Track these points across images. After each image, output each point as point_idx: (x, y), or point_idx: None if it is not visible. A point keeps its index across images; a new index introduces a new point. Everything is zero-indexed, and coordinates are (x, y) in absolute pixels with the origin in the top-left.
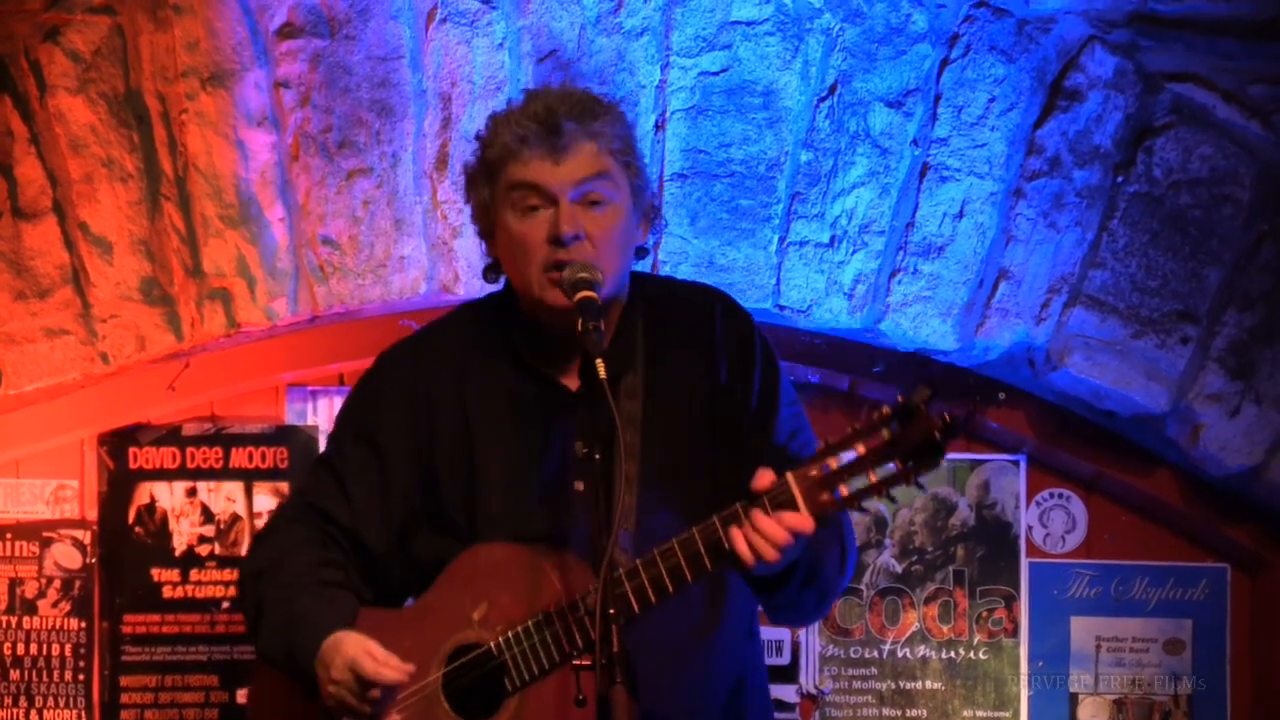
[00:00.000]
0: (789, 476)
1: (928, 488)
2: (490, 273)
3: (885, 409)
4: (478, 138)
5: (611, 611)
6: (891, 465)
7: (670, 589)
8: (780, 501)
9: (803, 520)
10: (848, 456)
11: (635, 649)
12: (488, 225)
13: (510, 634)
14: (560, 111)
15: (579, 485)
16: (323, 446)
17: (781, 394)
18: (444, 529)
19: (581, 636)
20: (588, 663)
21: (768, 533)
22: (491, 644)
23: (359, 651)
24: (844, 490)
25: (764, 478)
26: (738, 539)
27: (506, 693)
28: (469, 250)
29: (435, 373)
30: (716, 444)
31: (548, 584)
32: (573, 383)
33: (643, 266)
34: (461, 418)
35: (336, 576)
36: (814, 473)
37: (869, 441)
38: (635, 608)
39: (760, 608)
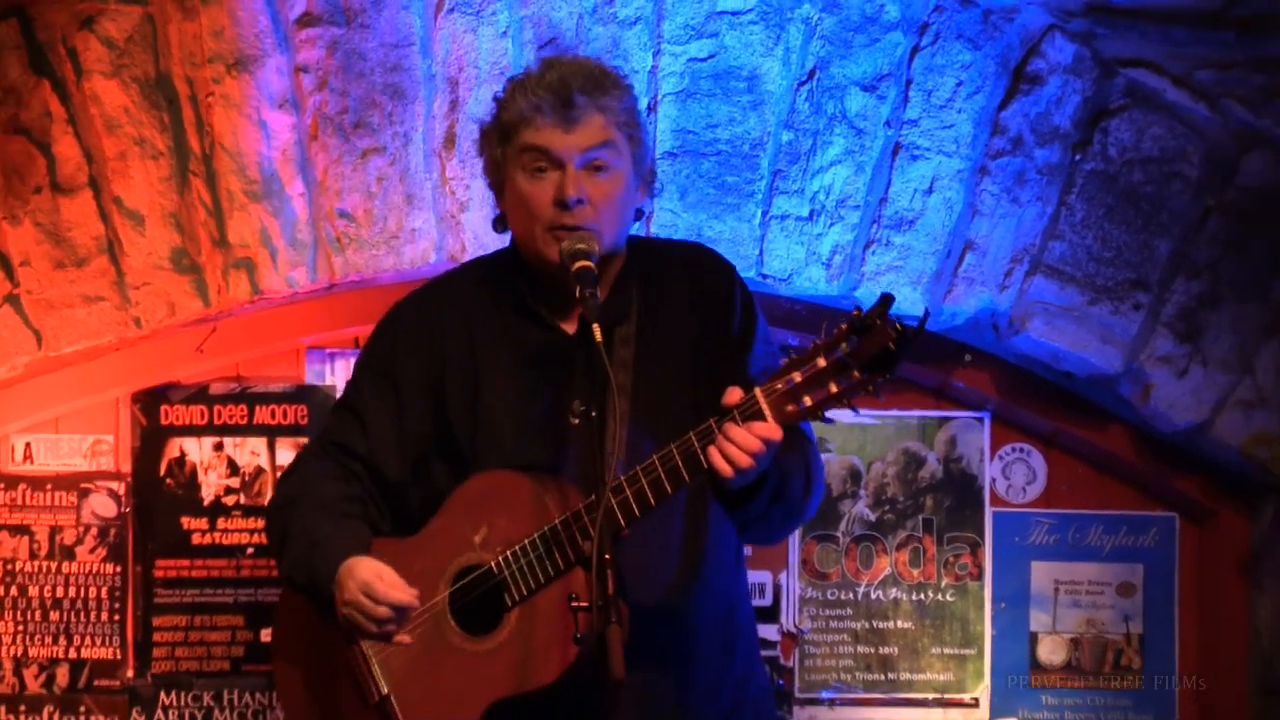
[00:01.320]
0: (757, 391)
1: (883, 396)
2: (499, 224)
3: (844, 324)
4: (495, 99)
5: (607, 557)
6: (851, 375)
7: (652, 501)
8: (750, 414)
9: (771, 429)
10: (810, 369)
11: (629, 584)
12: (498, 180)
13: (509, 553)
14: (574, 85)
15: (574, 420)
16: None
17: (757, 334)
18: (453, 460)
19: (574, 551)
20: (585, 604)
21: (740, 442)
22: (492, 564)
23: (370, 575)
24: (808, 400)
25: (734, 394)
26: (713, 453)
27: (507, 607)
28: (475, 223)
29: (446, 318)
30: (700, 384)
31: (542, 506)
32: (571, 328)
33: (637, 231)
34: (469, 359)
35: (355, 510)
36: (779, 386)
37: (829, 355)
38: (622, 521)
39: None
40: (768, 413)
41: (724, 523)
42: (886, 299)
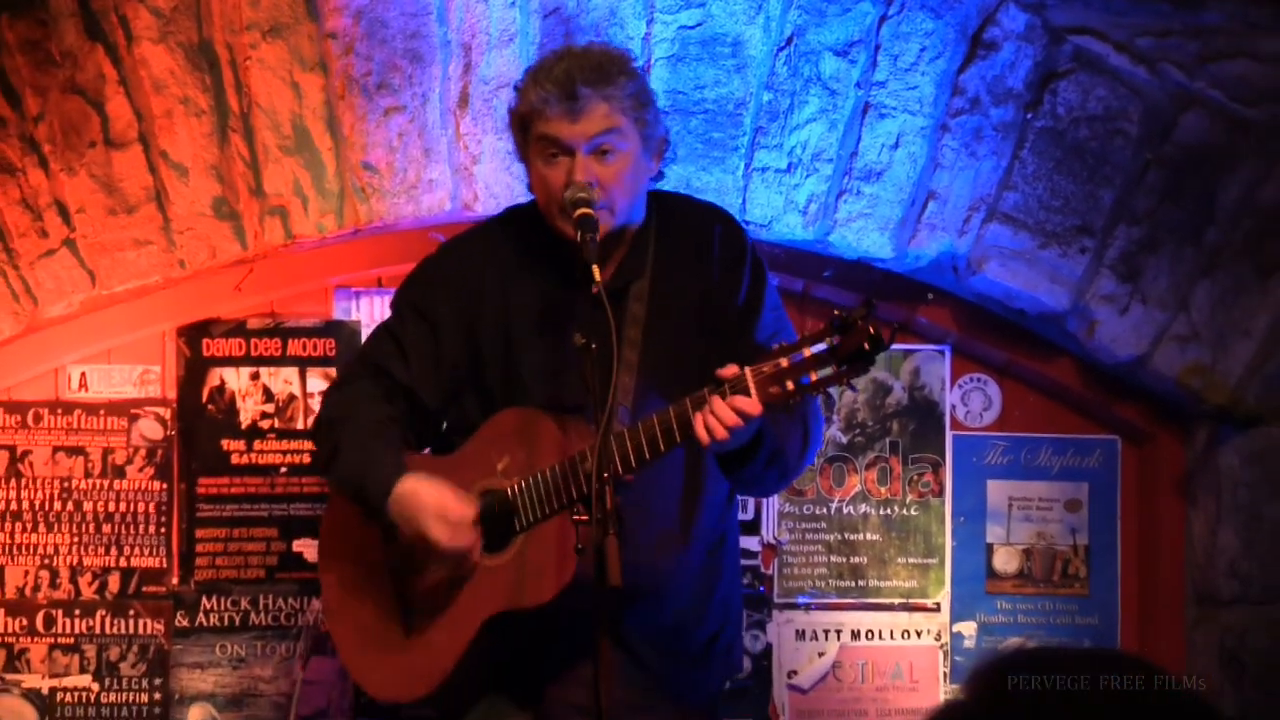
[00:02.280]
0: (746, 370)
1: (858, 389)
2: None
3: (829, 320)
4: (515, 88)
5: (605, 475)
6: (830, 368)
7: (648, 455)
8: (737, 389)
9: (751, 405)
10: (796, 357)
11: (630, 509)
12: (524, 159)
13: (523, 482)
14: (578, 77)
15: (579, 340)
16: (365, 336)
17: (765, 300)
18: (483, 394)
19: (577, 489)
20: (585, 517)
21: (719, 414)
22: (509, 490)
23: (429, 516)
24: (789, 385)
25: (729, 370)
26: (697, 419)
27: (515, 532)
28: (486, 175)
29: (484, 268)
30: (706, 340)
31: (558, 444)
32: (595, 283)
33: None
34: (503, 306)
35: (396, 430)
36: (767, 369)
37: (814, 346)
38: (619, 468)
39: None
40: (753, 391)
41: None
42: (869, 303)
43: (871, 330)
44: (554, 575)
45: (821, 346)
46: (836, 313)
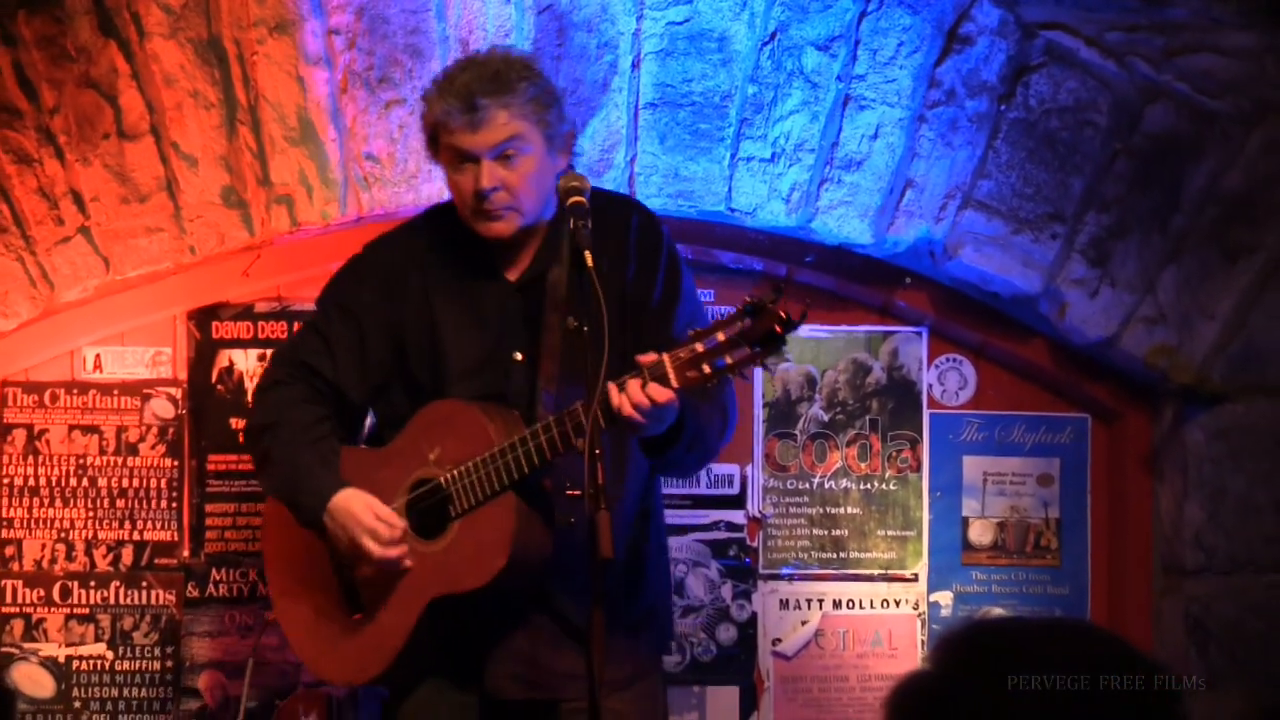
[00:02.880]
0: (664, 356)
1: (774, 370)
2: None
3: (741, 306)
4: (423, 98)
5: (597, 451)
6: (744, 350)
7: (574, 440)
8: (656, 375)
9: (662, 393)
10: (711, 342)
11: (557, 489)
12: (438, 163)
13: (455, 471)
14: (477, 89)
15: (518, 356)
16: None
17: (682, 292)
18: (410, 388)
19: (509, 475)
20: (577, 493)
21: (634, 399)
22: (441, 479)
23: (362, 532)
24: (706, 368)
25: (648, 356)
26: (620, 405)
27: (450, 518)
28: None
29: (406, 265)
30: (626, 327)
31: (488, 434)
32: (513, 275)
33: (614, 178)
34: (426, 304)
35: (325, 430)
36: (684, 354)
37: (728, 331)
38: (548, 453)
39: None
40: (672, 376)
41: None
42: (778, 286)
43: (782, 313)
44: (489, 560)
45: (735, 331)
46: (748, 298)
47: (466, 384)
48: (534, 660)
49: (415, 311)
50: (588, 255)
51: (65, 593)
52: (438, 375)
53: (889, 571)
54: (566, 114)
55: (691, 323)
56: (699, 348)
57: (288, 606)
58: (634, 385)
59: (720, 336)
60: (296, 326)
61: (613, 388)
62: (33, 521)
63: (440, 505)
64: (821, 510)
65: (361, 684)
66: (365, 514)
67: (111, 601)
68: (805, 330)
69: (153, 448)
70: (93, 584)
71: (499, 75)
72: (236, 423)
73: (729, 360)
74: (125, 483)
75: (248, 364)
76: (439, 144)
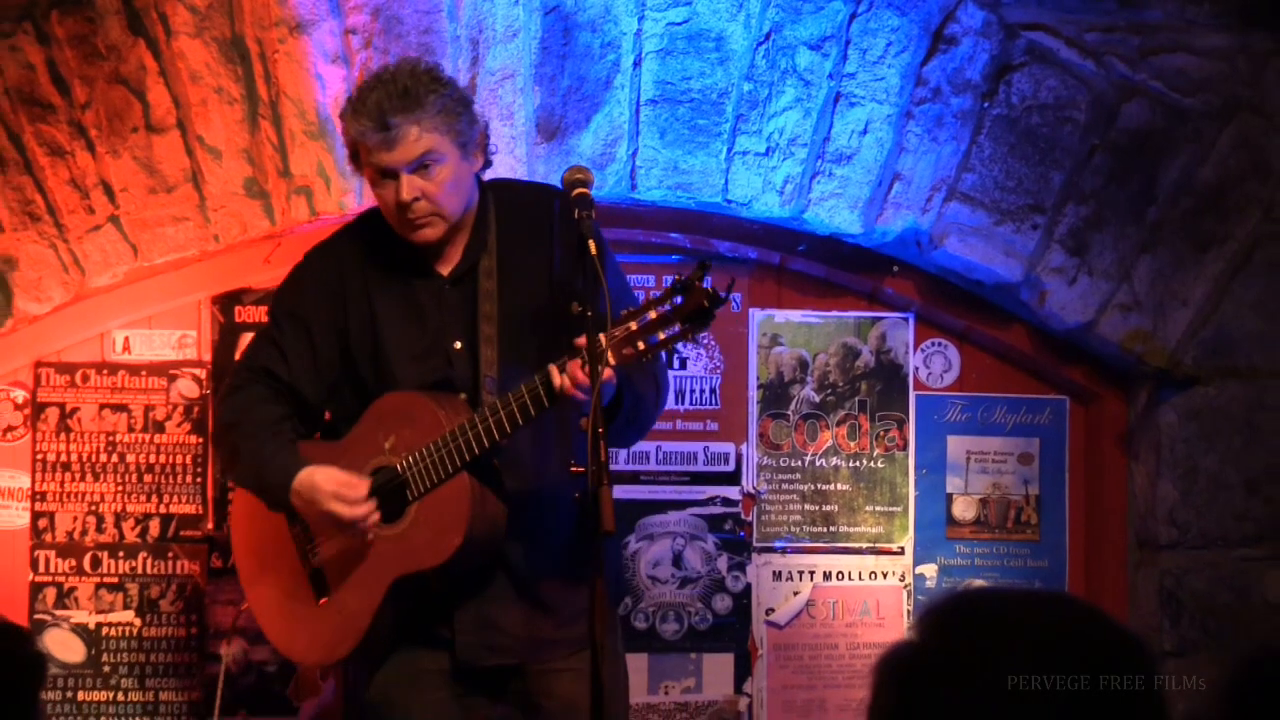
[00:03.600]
0: (601, 336)
1: (701, 343)
2: None
3: (672, 284)
4: (340, 116)
5: (600, 430)
6: (675, 327)
7: (520, 421)
8: (590, 354)
9: (607, 368)
10: (644, 320)
11: (508, 466)
12: (361, 175)
13: (410, 457)
14: (387, 109)
15: (457, 345)
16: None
17: (607, 270)
18: (357, 385)
19: (460, 458)
20: (581, 470)
21: (576, 379)
22: (398, 465)
23: (328, 497)
24: (641, 345)
25: (583, 337)
26: (561, 384)
27: (409, 501)
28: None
29: (345, 270)
30: (558, 310)
31: (438, 420)
32: (445, 269)
33: (616, 171)
34: (367, 303)
35: (286, 426)
36: (618, 333)
37: (659, 309)
38: (496, 435)
39: None
40: (609, 355)
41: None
42: (703, 265)
43: (710, 290)
44: (447, 539)
45: (665, 308)
46: (677, 278)
47: (411, 375)
48: (501, 627)
49: (357, 310)
50: (591, 244)
51: (95, 563)
52: (382, 369)
53: (877, 545)
54: (477, 115)
55: (618, 300)
56: (633, 326)
57: (258, 595)
58: (574, 366)
59: (652, 315)
60: None
61: (554, 369)
62: (65, 495)
63: (398, 490)
64: (813, 487)
65: (330, 663)
66: (328, 481)
67: (139, 571)
68: (798, 316)
69: (179, 425)
70: (122, 554)
71: (407, 91)
72: None
73: (661, 336)
74: (153, 459)
75: None
76: (359, 160)
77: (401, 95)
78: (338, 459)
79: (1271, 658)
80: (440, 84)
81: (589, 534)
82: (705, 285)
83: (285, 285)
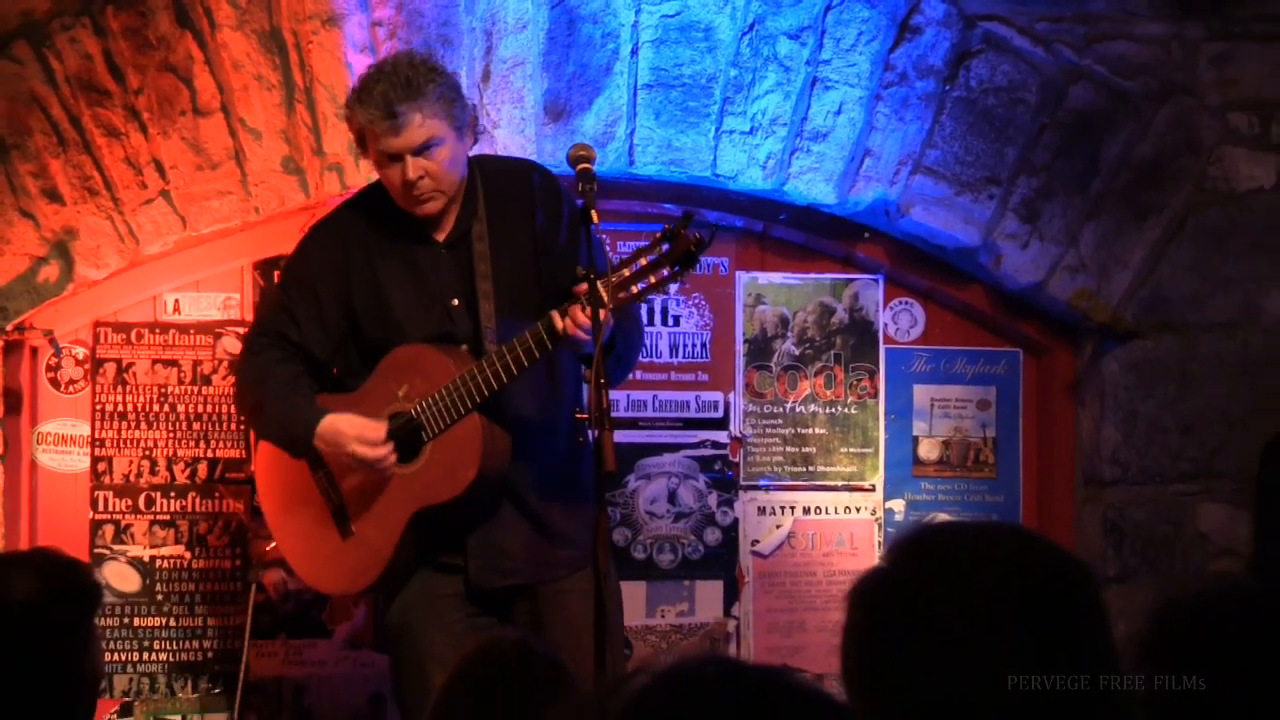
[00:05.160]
0: (598, 282)
1: (693, 303)
2: None
3: (659, 233)
4: (347, 105)
5: (602, 381)
6: (665, 270)
7: (526, 363)
8: (592, 299)
9: (604, 310)
10: (636, 266)
11: (509, 402)
12: (367, 158)
13: (424, 402)
14: (393, 98)
15: (455, 302)
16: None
17: (582, 229)
18: (365, 341)
19: (470, 400)
20: (585, 416)
21: (578, 321)
22: (412, 410)
23: (350, 440)
24: (634, 289)
25: (582, 285)
26: (566, 326)
27: (424, 442)
28: (504, 136)
29: (348, 239)
30: (542, 268)
31: (443, 366)
32: (440, 236)
33: (616, 149)
34: (370, 268)
35: (304, 383)
36: (614, 278)
37: (649, 255)
38: (504, 377)
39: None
40: (605, 298)
41: (572, 364)
42: (688, 215)
43: (695, 235)
44: (462, 473)
45: (654, 256)
46: (665, 226)
47: (416, 330)
48: (509, 551)
49: (361, 275)
50: (594, 214)
51: (149, 502)
52: (389, 327)
53: (850, 483)
54: (466, 100)
55: (594, 257)
56: (626, 272)
57: (285, 536)
58: (575, 309)
59: (643, 261)
60: None
61: (555, 315)
62: (122, 442)
63: (414, 433)
64: (793, 431)
65: (357, 592)
66: (351, 426)
67: (189, 509)
68: (779, 278)
69: (224, 379)
70: (173, 494)
71: (409, 82)
72: None
73: (652, 280)
74: (200, 408)
75: None
76: (367, 145)
77: (405, 85)
78: (354, 407)
79: (1188, 599)
80: (437, 74)
81: (594, 473)
82: (691, 232)
83: (294, 256)
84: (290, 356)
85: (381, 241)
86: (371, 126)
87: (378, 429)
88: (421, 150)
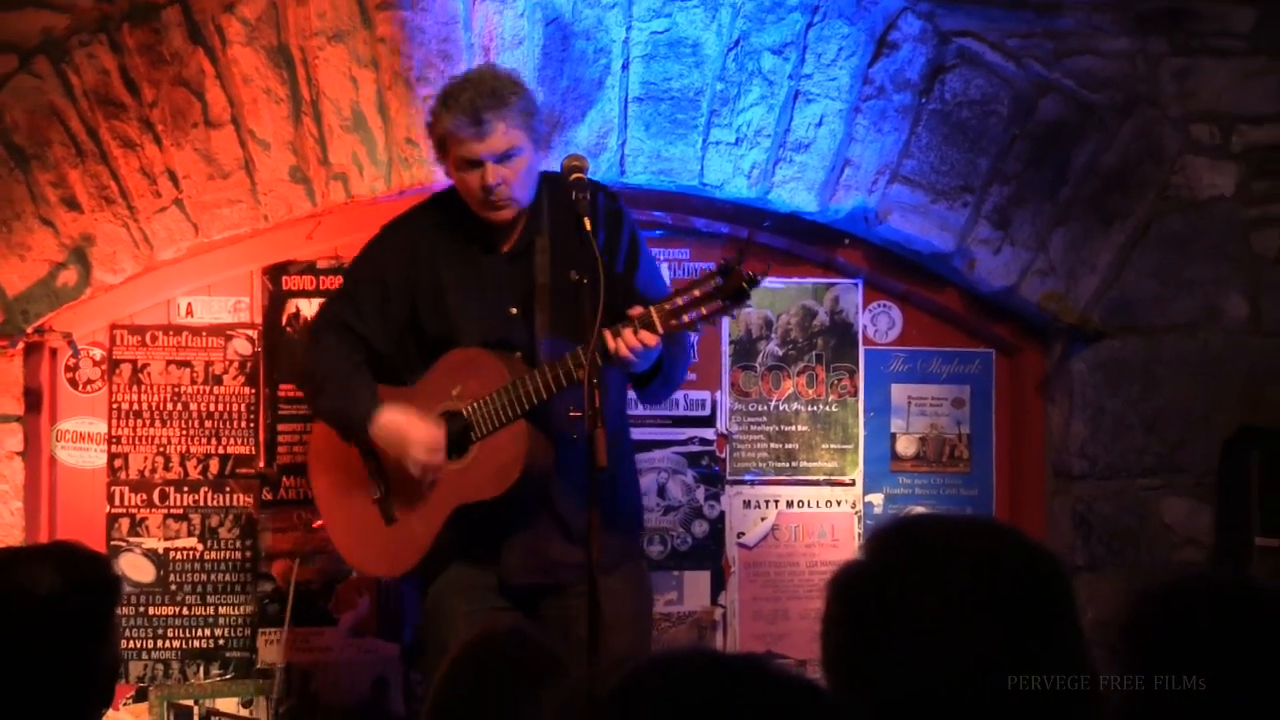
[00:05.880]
0: (651, 309)
1: (736, 317)
2: None
3: (714, 268)
4: (431, 111)
5: (595, 381)
6: (716, 303)
7: (576, 376)
8: (645, 324)
9: (650, 337)
10: (689, 297)
11: (557, 412)
12: (444, 164)
13: (476, 403)
14: (480, 105)
15: (513, 310)
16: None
17: (641, 254)
18: (422, 339)
19: (520, 406)
20: (579, 415)
21: (629, 343)
22: (464, 410)
23: (411, 442)
24: (686, 318)
25: (636, 309)
26: (618, 347)
27: (472, 441)
28: None
29: (417, 241)
30: (599, 285)
31: (498, 371)
32: (505, 247)
33: (608, 159)
34: (434, 271)
35: (365, 370)
36: (667, 306)
37: (704, 288)
38: (554, 387)
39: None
40: (657, 324)
41: (620, 381)
42: (742, 254)
43: (748, 272)
44: (507, 474)
45: (709, 287)
46: (721, 261)
47: (474, 334)
48: (540, 552)
49: (426, 276)
50: (586, 221)
51: (163, 496)
52: (446, 328)
53: (832, 477)
54: (543, 114)
55: (650, 282)
56: (679, 301)
57: (333, 516)
58: (628, 332)
59: (696, 293)
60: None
61: (608, 334)
62: (137, 439)
63: (463, 431)
64: (777, 428)
65: (396, 576)
66: (415, 431)
67: (201, 503)
68: (765, 282)
69: (234, 379)
70: (186, 489)
71: (495, 91)
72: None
73: (704, 311)
74: (212, 407)
75: (311, 310)
76: (448, 151)
77: (491, 95)
78: (409, 401)
79: (1170, 591)
80: (520, 87)
81: (586, 470)
82: (745, 268)
83: (363, 252)
84: (354, 346)
85: (449, 244)
86: (457, 132)
87: (439, 435)
88: (502, 158)
